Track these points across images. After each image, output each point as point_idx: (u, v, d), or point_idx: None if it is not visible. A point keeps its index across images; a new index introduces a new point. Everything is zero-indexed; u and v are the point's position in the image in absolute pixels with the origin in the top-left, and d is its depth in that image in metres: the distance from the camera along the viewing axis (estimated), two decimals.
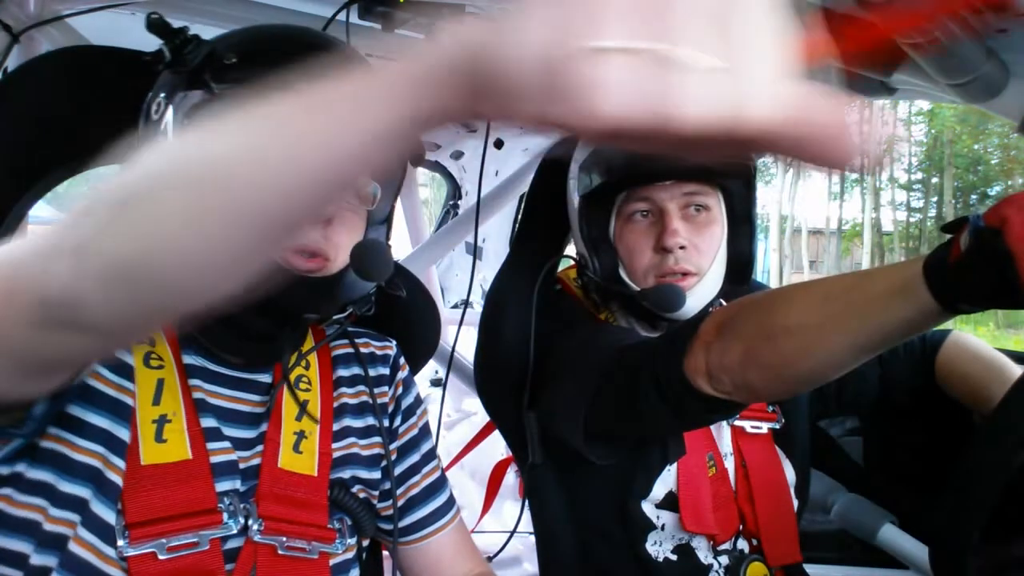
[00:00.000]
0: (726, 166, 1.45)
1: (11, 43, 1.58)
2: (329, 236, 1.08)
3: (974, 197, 25.78)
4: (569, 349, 1.54)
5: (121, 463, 1.00)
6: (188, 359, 1.12)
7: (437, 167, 3.81)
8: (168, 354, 1.10)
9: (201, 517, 1.04)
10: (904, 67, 1.62)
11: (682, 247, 1.48)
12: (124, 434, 1.02)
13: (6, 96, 1.33)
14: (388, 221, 1.24)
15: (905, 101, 16.02)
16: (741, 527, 1.58)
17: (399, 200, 3.03)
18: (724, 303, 1.64)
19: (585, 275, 1.64)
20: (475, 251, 2.94)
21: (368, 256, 1.09)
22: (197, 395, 1.10)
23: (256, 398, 1.17)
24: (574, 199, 1.60)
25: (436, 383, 3.03)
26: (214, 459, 1.08)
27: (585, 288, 1.71)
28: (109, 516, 0.99)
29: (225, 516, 1.05)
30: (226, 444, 1.10)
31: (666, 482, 1.51)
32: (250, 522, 1.08)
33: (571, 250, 1.84)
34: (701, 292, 1.51)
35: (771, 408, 1.67)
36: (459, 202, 3.85)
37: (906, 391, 1.68)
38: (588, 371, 1.41)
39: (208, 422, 1.09)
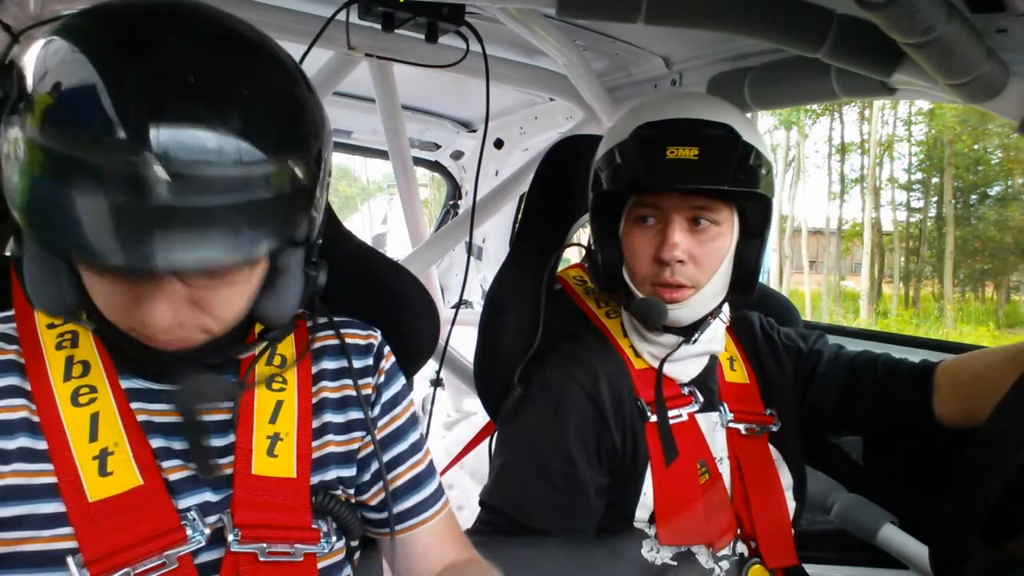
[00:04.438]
0: (744, 190, 1.45)
1: (11, 43, 1.58)
2: (186, 323, 0.97)
3: (974, 197, 25.76)
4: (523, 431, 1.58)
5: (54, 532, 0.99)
6: (127, 383, 1.09)
7: (437, 167, 3.81)
8: (103, 382, 1.07)
9: (163, 538, 1.02)
10: (904, 67, 1.62)
11: (680, 261, 1.47)
12: (47, 508, 1.00)
13: None
14: (306, 236, 1.02)
15: (905, 101, 16.02)
16: (739, 531, 1.58)
17: (399, 200, 3.04)
18: (727, 311, 1.64)
19: (590, 266, 1.65)
20: (470, 249, 2.93)
21: (188, 397, 1.03)
22: (142, 418, 1.08)
23: (219, 405, 1.15)
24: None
25: (435, 382, 3.03)
26: (172, 477, 1.07)
27: (588, 286, 1.72)
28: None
29: (189, 531, 1.04)
30: (178, 462, 1.08)
31: (645, 505, 1.52)
32: (227, 533, 1.07)
33: (570, 251, 1.84)
34: (696, 305, 1.51)
35: (768, 411, 1.67)
36: (459, 202, 3.86)
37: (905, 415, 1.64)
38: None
39: (157, 442, 1.08)
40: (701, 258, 1.49)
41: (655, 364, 1.59)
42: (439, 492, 1.36)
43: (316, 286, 1.11)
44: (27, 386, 1.04)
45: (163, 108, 0.82)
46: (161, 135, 0.81)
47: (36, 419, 1.03)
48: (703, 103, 1.52)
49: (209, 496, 1.09)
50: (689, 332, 1.57)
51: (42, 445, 1.01)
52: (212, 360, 1.09)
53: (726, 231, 1.51)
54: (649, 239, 1.50)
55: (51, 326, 1.09)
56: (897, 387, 1.59)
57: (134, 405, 1.08)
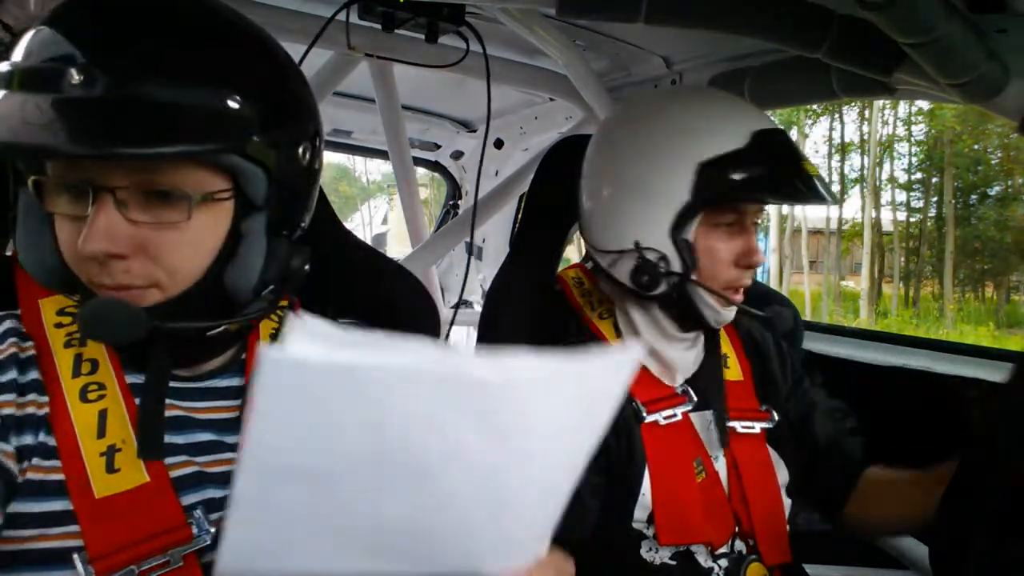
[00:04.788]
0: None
1: (12, 42, 1.58)
2: (136, 269, 0.97)
3: (974, 197, 25.78)
4: None
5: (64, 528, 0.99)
6: (131, 379, 1.09)
7: (437, 167, 3.81)
8: (112, 379, 1.07)
9: (168, 536, 1.02)
10: (904, 67, 1.63)
11: (761, 264, 1.52)
12: (56, 506, 0.99)
13: None
14: (277, 190, 1.05)
15: (905, 101, 16.02)
16: (737, 529, 1.58)
17: (399, 200, 3.03)
18: None
19: (652, 272, 1.53)
20: (470, 249, 2.93)
21: (92, 323, 0.95)
22: None
23: (224, 404, 1.15)
24: (643, 202, 1.53)
25: None
26: (175, 474, 1.06)
27: (584, 287, 1.72)
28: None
29: (195, 529, 1.04)
30: (183, 457, 1.08)
31: (644, 506, 1.51)
32: None
33: (569, 251, 1.84)
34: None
35: (764, 407, 1.68)
36: (459, 202, 3.86)
37: None
38: None
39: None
40: None
41: (677, 360, 1.61)
42: None
43: (291, 268, 1.11)
44: (43, 380, 1.05)
45: (100, 22, 0.92)
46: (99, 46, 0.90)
47: (47, 413, 1.03)
48: (751, 107, 1.57)
49: (213, 492, 1.08)
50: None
51: (52, 441, 1.01)
52: (180, 333, 1.05)
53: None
54: (729, 244, 1.50)
55: (58, 325, 1.09)
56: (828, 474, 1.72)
57: (139, 400, 1.07)
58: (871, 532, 1.41)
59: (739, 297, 1.53)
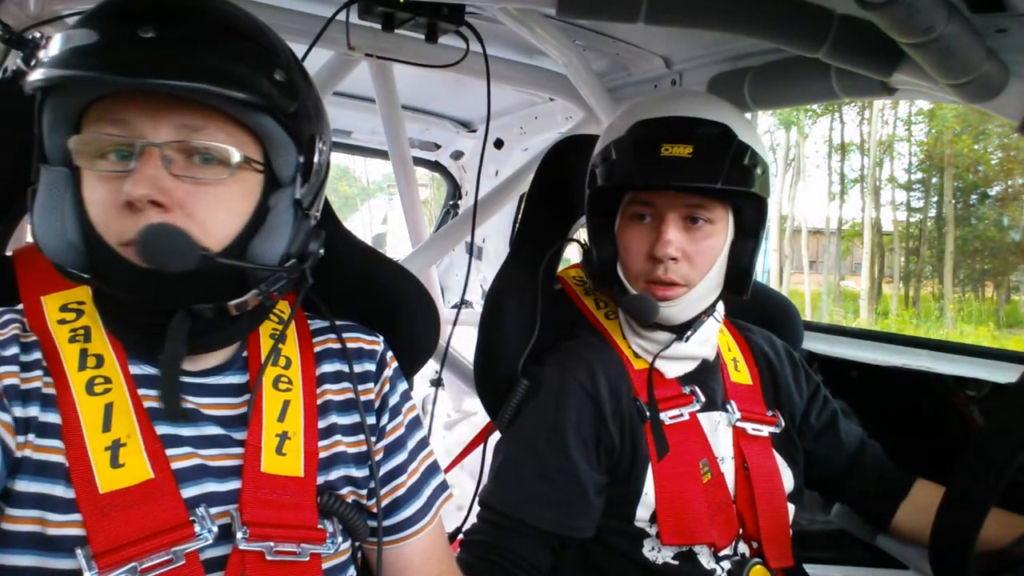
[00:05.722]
0: (736, 188, 1.46)
1: (13, 41, 1.58)
2: (174, 222, 1.00)
3: (974, 197, 25.79)
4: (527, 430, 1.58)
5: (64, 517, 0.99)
6: (136, 369, 1.10)
7: (437, 167, 3.81)
8: (118, 373, 1.08)
9: (171, 533, 1.02)
10: (904, 67, 1.62)
11: (673, 258, 1.48)
12: (59, 490, 1.00)
13: None
14: (302, 174, 1.13)
15: (906, 101, 16.02)
16: (741, 531, 1.58)
17: (399, 200, 3.04)
18: (721, 310, 1.65)
19: (586, 263, 1.64)
20: (471, 250, 2.93)
21: (148, 241, 0.97)
22: (148, 404, 1.09)
23: (227, 400, 1.16)
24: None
25: (435, 383, 3.03)
26: (177, 465, 1.07)
27: (587, 287, 1.72)
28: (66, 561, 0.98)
29: (197, 527, 1.04)
30: (187, 449, 1.09)
31: (647, 505, 1.52)
32: (235, 530, 1.07)
33: (571, 252, 1.84)
34: (688, 303, 1.52)
35: (770, 412, 1.68)
36: (459, 202, 3.86)
37: None
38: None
39: (163, 429, 1.08)
40: (694, 256, 1.50)
41: (659, 363, 1.60)
42: (432, 500, 1.36)
43: (309, 248, 1.16)
44: (47, 366, 1.06)
45: (160, 14, 0.99)
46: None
47: (54, 394, 1.04)
48: (701, 101, 1.53)
49: (213, 486, 1.09)
50: (682, 330, 1.57)
51: (53, 419, 1.03)
52: (202, 300, 1.07)
53: (720, 230, 1.51)
54: (643, 236, 1.51)
55: (62, 322, 1.11)
56: (882, 487, 1.76)
57: (141, 392, 1.09)
58: (924, 542, 1.41)
59: (661, 291, 1.51)
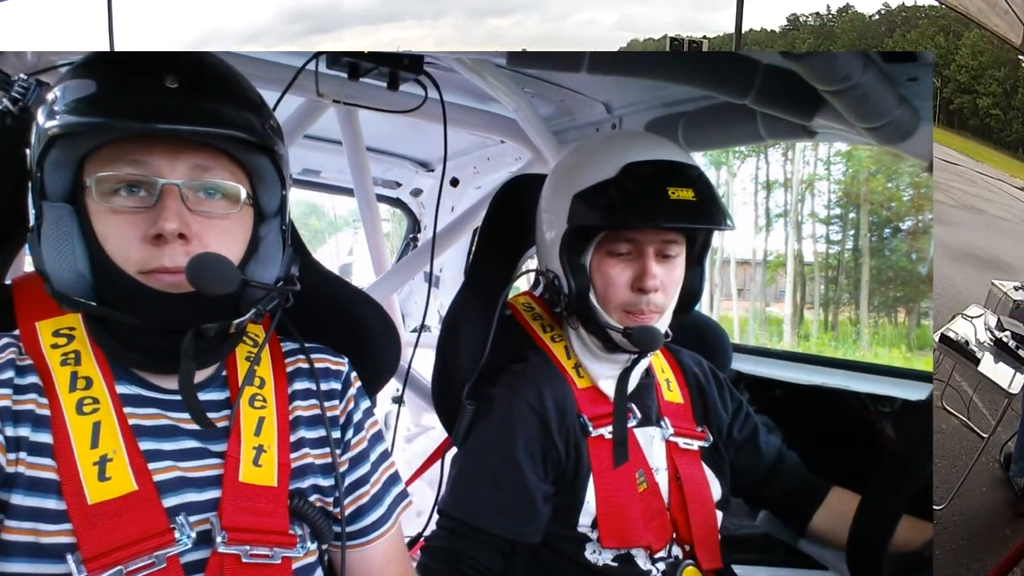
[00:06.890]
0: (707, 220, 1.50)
1: (9, 89, 1.57)
2: (191, 252, 1.04)
3: (888, 231, 26.19)
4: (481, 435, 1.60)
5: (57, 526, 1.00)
6: (122, 389, 1.11)
7: (398, 203, 3.81)
8: (105, 395, 1.09)
9: (154, 539, 1.04)
10: (824, 112, 1.67)
11: (656, 290, 1.51)
12: (51, 504, 1.01)
13: None
14: (281, 211, 1.22)
15: (825, 143, 16.29)
16: (675, 535, 1.60)
17: (363, 232, 3.03)
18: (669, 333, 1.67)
19: (552, 292, 1.62)
20: (430, 279, 2.94)
21: (200, 270, 1.03)
22: (133, 422, 1.10)
23: (209, 416, 1.15)
24: (547, 231, 1.61)
25: (397, 400, 3.02)
26: (159, 478, 1.08)
27: (535, 312, 1.73)
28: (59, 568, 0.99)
29: (177, 534, 1.06)
30: (168, 463, 1.10)
31: (589, 512, 1.54)
32: (215, 534, 1.09)
33: (523, 280, 1.86)
34: (660, 327, 1.56)
35: (700, 428, 1.71)
36: (418, 235, 3.86)
37: None
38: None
39: (147, 444, 1.09)
40: (668, 286, 1.54)
41: (601, 382, 1.62)
42: (393, 506, 1.37)
43: (291, 271, 1.21)
44: (42, 388, 1.07)
45: (178, 67, 1.05)
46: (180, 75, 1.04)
47: (48, 415, 1.05)
48: (667, 144, 1.57)
49: (193, 495, 1.10)
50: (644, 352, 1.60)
51: (45, 439, 1.03)
52: (208, 320, 1.09)
53: (681, 261, 1.57)
54: (623, 269, 1.53)
55: (55, 346, 1.11)
56: (799, 493, 1.80)
57: (126, 410, 1.10)
58: (838, 544, 1.44)
59: (641, 319, 1.53)
